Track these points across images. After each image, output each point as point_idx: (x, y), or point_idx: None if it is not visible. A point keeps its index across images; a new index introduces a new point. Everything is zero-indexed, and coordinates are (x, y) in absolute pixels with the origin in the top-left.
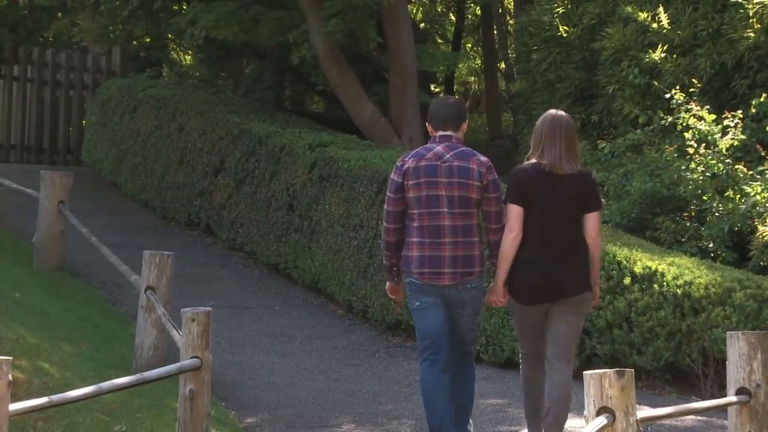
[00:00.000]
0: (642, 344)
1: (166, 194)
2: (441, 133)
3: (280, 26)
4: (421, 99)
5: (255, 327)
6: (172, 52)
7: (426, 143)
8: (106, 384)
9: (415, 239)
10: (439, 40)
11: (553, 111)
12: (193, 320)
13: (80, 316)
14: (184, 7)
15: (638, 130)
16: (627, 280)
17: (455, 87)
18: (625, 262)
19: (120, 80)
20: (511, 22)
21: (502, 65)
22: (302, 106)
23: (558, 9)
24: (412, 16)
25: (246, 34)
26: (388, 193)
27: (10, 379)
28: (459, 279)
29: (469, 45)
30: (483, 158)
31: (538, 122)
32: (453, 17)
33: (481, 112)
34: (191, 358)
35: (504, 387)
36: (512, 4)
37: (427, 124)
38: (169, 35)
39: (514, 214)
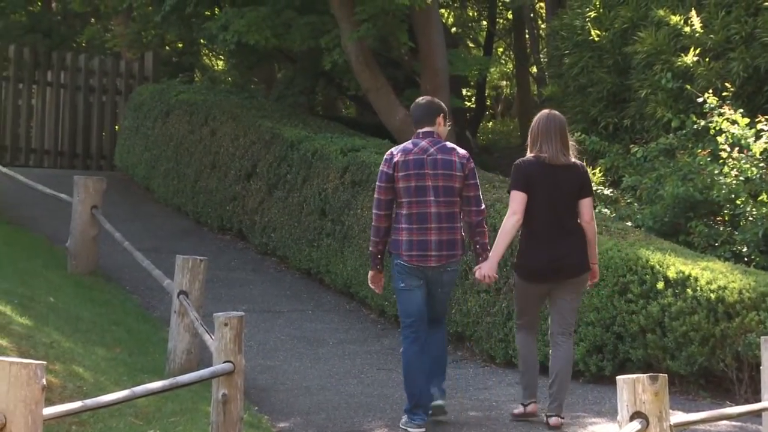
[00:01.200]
0: (675, 349)
1: (199, 199)
2: (422, 129)
3: (311, 31)
4: (453, 104)
5: (287, 331)
6: (204, 58)
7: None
8: (140, 388)
9: (403, 225)
10: (471, 45)
11: (546, 111)
12: (226, 325)
13: (114, 321)
14: (216, 12)
15: (671, 134)
16: (660, 285)
17: (487, 91)
18: (658, 267)
19: (153, 85)
20: (542, 26)
21: (534, 69)
22: (334, 110)
23: (590, 13)
24: (444, 21)
25: (278, 39)
26: (378, 183)
27: (45, 383)
28: (444, 261)
29: (501, 49)
30: (462, 151)
31: (534, 121)
32: (485, 22)
33: (513, 117)
34: (224, 362)
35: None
36: (544, 8)
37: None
38: (202, 40)
39: (518, 200)
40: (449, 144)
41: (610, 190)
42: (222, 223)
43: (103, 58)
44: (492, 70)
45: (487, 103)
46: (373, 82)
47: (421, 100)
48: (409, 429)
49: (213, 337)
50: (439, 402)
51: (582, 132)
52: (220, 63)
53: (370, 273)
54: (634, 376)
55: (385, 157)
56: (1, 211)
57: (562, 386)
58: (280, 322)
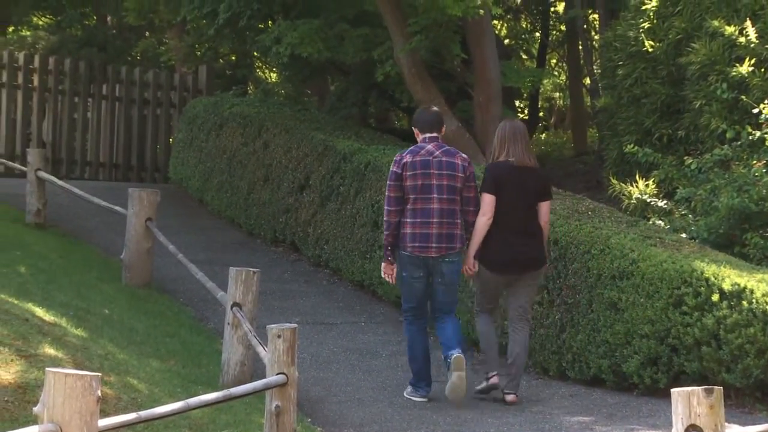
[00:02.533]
0: (731, 362)
1: (252, 211)
2: (428, 135)
3: (364, 43)
4: (505, 115)
5: (340, 343)
6: (257, 70)
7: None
8: (194, 400)
9: (408, 219)
10: (524, 56)
11: (508, 120)
12: (279, 337)
13: (168, 333)
14: (270, 25)
15: (726, 146)
16: (715, 297)
17: (540, 103)
18: (713, 279)
19: (206, 98)
20: (596, 37)
21: (587, 81)
22: (387, 122)
23: (644, 24)
24: (497, 33)
25: (330, 52)
26: (389, 182)
27: (100, 394)
28: (443, 252)
29: (554, 61)
30: (463, 155)
31: (499, 129)
32: (538, 33)
33: (566, 128)
34: (277, 374)
35: (590, 404)
36: (597, 19)
37: (413, 128)
38: (255, 53)
39: (488, 202)
40: (452, 148)
41: (664, 201)
42: (275, 235)
43: (157, 71)
44: (545, 81)
45: (540, 115)
46: (426, 94)
47: (428, 109)
48: (413, 398)
49: (266, 349)
50: (458, 354)
51: (635, 143)
52: (274, 75)
53: (383, 264)
54: (689, 388)
55: (395, 158)
56: (58, 224)
57: (519, 367)
58: (333, 334)
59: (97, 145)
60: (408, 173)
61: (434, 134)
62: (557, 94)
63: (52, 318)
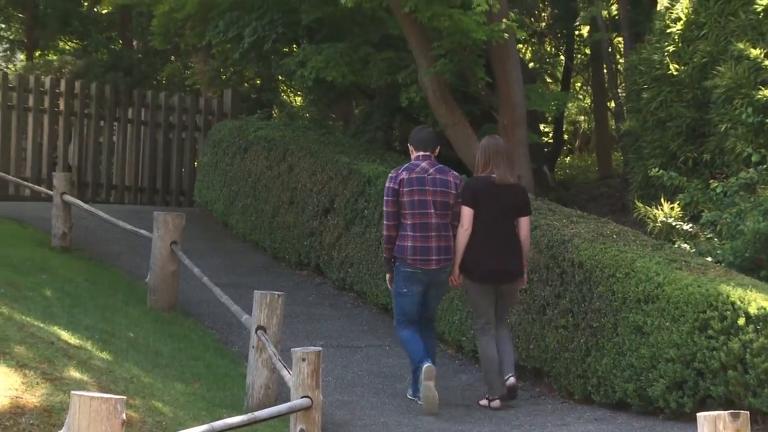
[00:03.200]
0: (758, 386)
1: (277, 234)
2: (422, 153)
3: (388, 67)
4: (530, 139)
5: (365, 367)
6: (282, 94)
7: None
8: (218, 423)
9: (408, 233)
10: (549, 80)
11: (491, 137)
12: (304, 360)
13: (193, 356)
14: (295, 49)
15: (751, 169)
16: (741, 321)
17: (564, 126)
18: (739, 303)
19: (231, 122)
20: (621, 61)
21: (612, 104)
22: None
23: (669, 47)
24: (522, 56)
25: (355, 76)
26: (386, 198)
27: (125, 418)
28: (443, 264)
29: (579, 84)
30: (455, 173)
31: (484, 146)
32: (562, 57)
33: (591, 152)
34: (302, 397)
35: (615, 428)
36: (622, 43)
37: (409, 146)
38: (280, 77)
39: (467, 214)
40: (445, 166)
41: (690, 225)
42: (299, 259)
43: (182, 95)
44: (570, 104)
45: (565, 138)
46: (451, 118)
47: (425, 127)
48: (418, 401)
49: (291, 373)
50: (429, 364)
51: (660, 167)
52: (298, 99)
53: (388, 276)
54: (715, 413)
55: (390, 175)
56: (83, 247)
57: (510, 365)
58: (358, 357)
59: (122, 168)
60: (405, 189)
61: (428, 152)
62: (582, 117)
63: (78, 341)
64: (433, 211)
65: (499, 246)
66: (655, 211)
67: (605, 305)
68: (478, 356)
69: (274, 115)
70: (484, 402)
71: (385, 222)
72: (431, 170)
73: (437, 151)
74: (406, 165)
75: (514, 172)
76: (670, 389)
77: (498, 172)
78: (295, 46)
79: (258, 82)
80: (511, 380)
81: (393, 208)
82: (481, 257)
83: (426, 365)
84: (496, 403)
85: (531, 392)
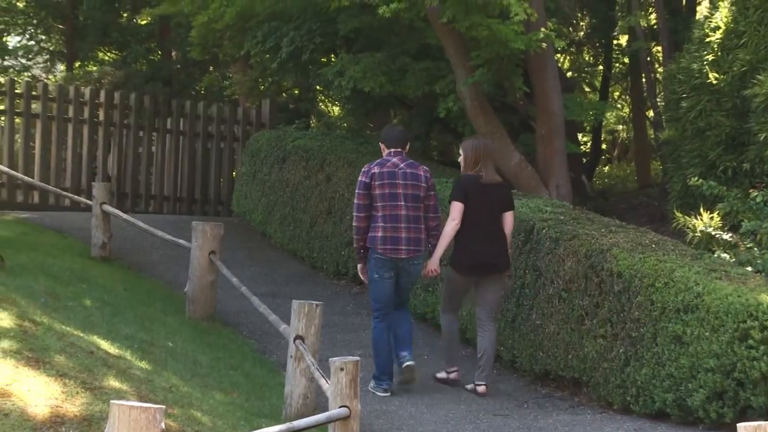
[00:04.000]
0: None
1: (315, 244)
2: (393, 149)
3: (426, 77)
4: (568, 149)
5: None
6: (320, 104)
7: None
8: None
9: (380, 224)
10: (587, 89)
11: (477, 138)
12: (342, 369)
13: (231, 365)
14: (332, 59)
15: None
16: None
17: (603, 135)
18: None
19: (269, 132)
20: (659, 70)
21: (651, 113)
22: (449, 155)
23: (708, 56)
24: (560, 65)
25: (393, 86)
26: (357, 191)
27: (164, 427)
28: (412, 254)
29: (617, 93)
30: (425, 167)
31: (471, 145)
32: (601, 66)
33: (630, 161)
34: (340, 407)
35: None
36: (661, 52)
37: (380, 143)
38: (317, 87)
39: (458, 209)
40: (415, 161)
41: (729, 234)
42: (337, 268)
43: (221, 105)
44: (608, 114)
45: (603, 148)
46: (488, 127)
47: (395, 127)
48: (376, 393)
49: (329, 382)
50: (410, 363)
51: (700, 176)
52: (336, 109)
53: (359, 266)
54: (756, 423)
55: (363, 170)
56: (122, 257)
57: (489, 361)
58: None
59: (161, 178)
60: (376, 183)
61: (399, 149)
62: (620, 126)
63: (117, 351)
64: (403, 203)
65: (486, 241)
66: (695, 220)
67: (644, 315)
68: (516, 365)
69: (312, 124)
70: (442, 375)
71: (355, 213)
72: (402, 165)
73: (407, 147)
74: (378, 160)
75: (497, 171)
76: (710, 399)
77: (486, 172)
78: (332, 56)
79: (296, 92)
80: (482, 388)
81: (364, 200)
82: (470, 251)
83: (406, 363)
84: (455, 374)
85: (570, 402)
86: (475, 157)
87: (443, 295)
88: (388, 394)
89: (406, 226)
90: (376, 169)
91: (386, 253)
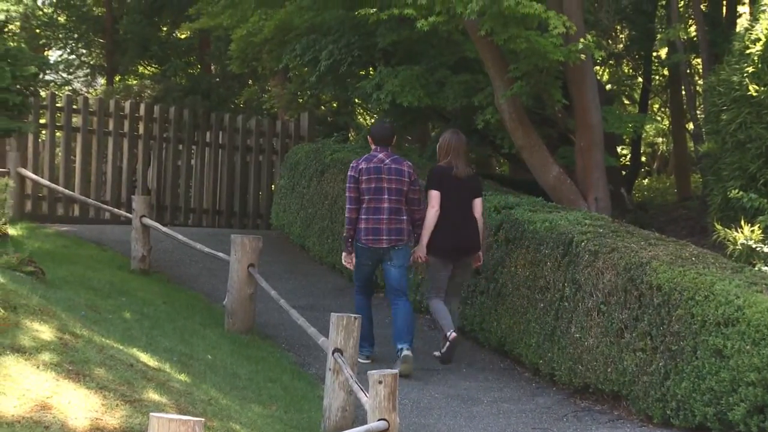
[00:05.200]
0: None
1: None
2: (379, 145)
3: (464, 90)
4: (607, 161)
5: (441, 389)
6: (358, 116)
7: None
8: None
9: (363, 216)
10: (626, 101)
11: (452, 132)
12: (380, 382)
13: (270, 378)
14: (371, 72)
15: None
16: None
17: (642, 148)
18: None
19: (308, 145)
20: (699, 82)
21: (691, 126)
22: (488, 168)
23: (748, 68)
24: (599, 78)
25: (431, 99)
26: (347, 184)
27: None
28: (393, 243)
29: (657, 106)
30: (409, 162)
31: (445, 138)
32: (640, 78)
33: (669, 174)
34: (378, 420)
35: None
36: (701, 64)
37: (368, 138)
38: (356, 99)
39: (436, 197)
40: (400, 157)
41: None
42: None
43: (260, 118)
44: (647, 126)
45: (643, 160)
46: (527, 140)
47: (384, 123)
48: (359, 360)
49: (367, 395)
50: (406, 353)
51: (740, 189)
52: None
53: (344, 254)
54: None
55: (351, 165)
56: (162, 270)
57: (442, 317)
58: (434, 380)
59: (200, 191)
60: (364, 177)
61: (386, 145)
62: (660, 139)
63: (156, 363)
64: (387, 196)
65: (460, 226)
66: (735, 233)
67: (684, 328)
68: (555, 378)
69: (351, 137)
70: (444, 347)
71: (347, 206)
72: (387, 161)
73: (393, 143)
74: (365, 156)
75: (468, 164)
76: (751, 413)
77: (457, 163)
78: (371, 69)
79: (334, 105)
80: (453, 334)
81: (354, 194)
82: (445, 236)
83: (404, 353)
84: (453, 335)
85: (609, 416)
86: (446, 149)
87: (431, 283)
88: (369, 361)
89: (388, 218)
90: (363, 165)
91: (369, 243)
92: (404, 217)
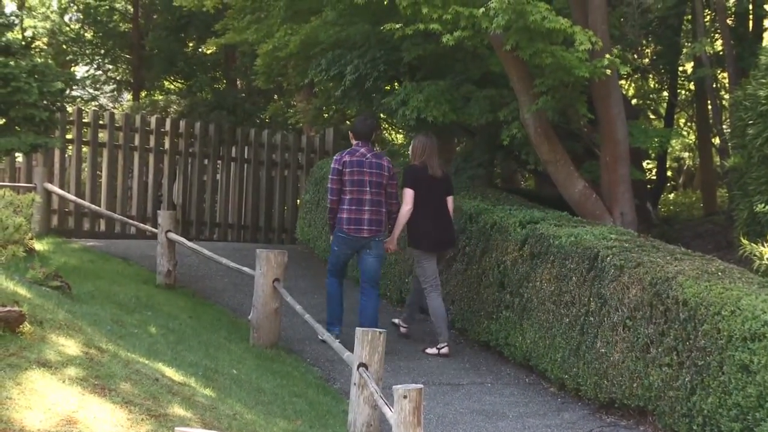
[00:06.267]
0: None
1: None
2: (361, 141)
3: (490, 104)
4: (633, 176)
5: (466, 404)
6: (383, 131)
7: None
8: None
9: (346, 206)
10: (652, 116)
11: (425, 135)
12: (405, 397)
13: (295, 393)
14: (396, 86)
15: None
16: None
17: (668, 163)
18: None
19: None
20: (725, 96)
21: (717, 140)
22: (513, 183)
23: None
24: (624, 92)
25: (456, 114)
26: (331, 176)
27: None
28: (373, 233)
29: (683, 120)
30: (387, 158)
31: (419, 140)
32: (666, 93)
33: (696, 188)
34: None
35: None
36: (727, 78)
37: (350, 133)
38: (381, 114)
39: (410, 195)
40: (380, 152)
41: None
42: (401, 296)
43: (285, 133)
44: (673, 141)
45: (669, 175)
46: (553, 155)
47: (366, 119)
48: (324, 338)
49: (392, 410)
50: None
51: (766, 203)
52: (400, 137)
53: (332, 238)
54: None
55: (335, 158)
56: (187, 285)
57: (441, 323)
58: (459, 395)
59: (225, 206)
60: (347, 170)
61: (366, 141)
62: (686, 153)
63: (182, 378)
64: (368, 189)
65: (439, 222)
66: (762, 248)
67: (710, 343)
68: (580, 393)
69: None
70: (432, 350)
71: (329, 197)
72: (369, 155)
73: (374, 138)
74: (348, 150)
75: (442, 166)
76: None
77: (431, 164)
78: (396, 83)
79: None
80: (446, 349)
81: (337, 185)
82: (429, 232)
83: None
84: (446, 349)
85: (635, 431)
86: (420, 151)
87: (422, 278)
88: (338, 341)
89: (370, 209)
90: (347, 158)
91: (350, 232)
92: (383, 209)
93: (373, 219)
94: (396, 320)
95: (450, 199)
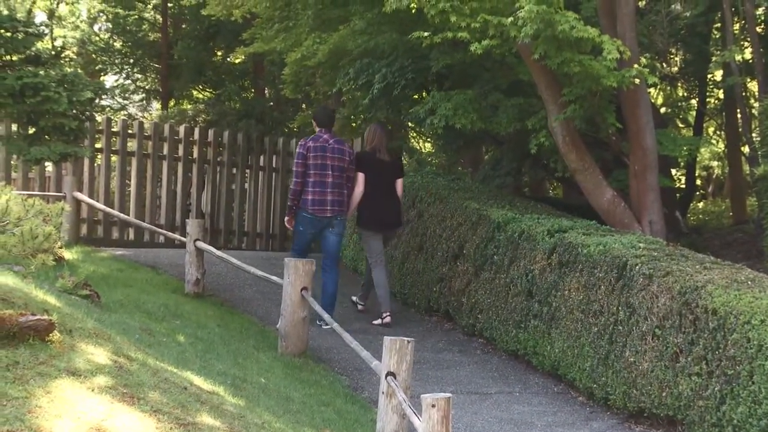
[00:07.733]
0: None
1: (406, 280)
2: (324, 128)
3: (518, 113)
4: (662, 184)
5: (494, 414)
6: (411, 140)
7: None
8: None
9: (310, 188)
10: (681, 124)
11: (378, 123)
12: (433, 406)
13: (323, 402)
14: (424, 95)
15: None
16: None
17: (697, 171)
18: None
19: None
20: (755, 104)
21: (746, 149)
22: (541, 191)
23: None
24: (653, 101)
25: (484, 122)
26: (296, 160)
27: None
28: (336, 213)
29: (712, 129)
30: (348, 144)
31: (372, 129)
32: (694, 101)
33: (725, 197)
34: None
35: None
36: (756, 86)
37: (313, 121)
38: (409, 123)
39: (362, 178)
40: (341, 139)
41: None
42: (429, 305)
43: None
44: (702, 149)
45: (698, 184)
46: (581, 163)
47: (325, 108)
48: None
49: (420, 419)
50: (326, 328)
51: None
52: (428, 145)
53: (287, 218)
54: None
55: (300, 143)
56: (216, 293)
57: (384, 294)
58: (487, 404)
59: (254, 215)
60: (311, 154)
61: (329, 128)
62: (715, 162)
63: (210, 386)
64: (330, 172)
65: (387, 203)
66: None
67: (740, 353)
68: (609, 402)
69: (404, 161)
70: (377, 321)
71: (294, 179)
72: (331, 141)
73: (334, 125)
74: (312, 136)
75: (388, 151)
76: None
77: (380, 149)
78: (424, 92)
79: (388, 128)
80: (388, 318)
81: (302, 168)
82: (375, 212)
83: (329, 327)
84: (388, 318)
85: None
86: (373, 137)
87: (367, 253)
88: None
89: (332, 191)
90: (311, 144)
91: (315, 212)
92: (345, 191)
93: (336, 200)
94: (354, 298)
95: (399, 182)
